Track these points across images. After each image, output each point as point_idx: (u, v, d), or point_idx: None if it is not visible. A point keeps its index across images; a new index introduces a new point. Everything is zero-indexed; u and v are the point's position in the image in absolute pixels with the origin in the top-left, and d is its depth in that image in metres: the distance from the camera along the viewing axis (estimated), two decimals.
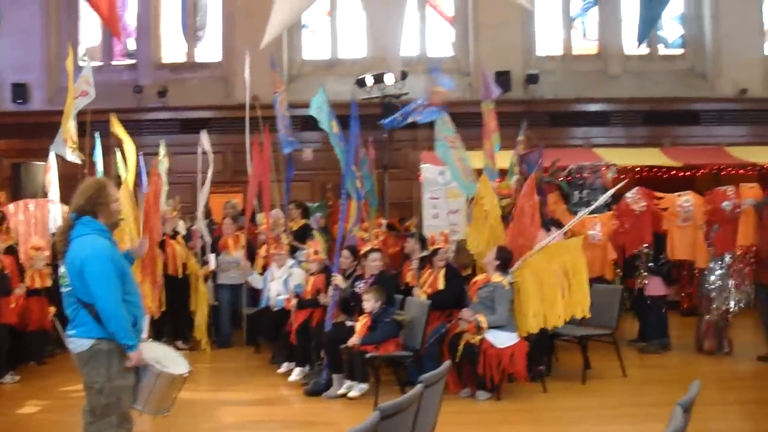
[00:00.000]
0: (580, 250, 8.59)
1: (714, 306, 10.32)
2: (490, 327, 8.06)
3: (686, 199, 10.70)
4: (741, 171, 15.18)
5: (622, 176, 12.80)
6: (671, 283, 10.84)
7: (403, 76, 15.07)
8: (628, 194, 10.99)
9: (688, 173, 15.10)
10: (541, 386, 8.44)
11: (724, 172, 15.29)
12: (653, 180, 13.80)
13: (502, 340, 8.06)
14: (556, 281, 8.31)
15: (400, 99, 15.50)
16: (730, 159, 15.57)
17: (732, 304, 10.31)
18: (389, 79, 15.11)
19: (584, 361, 9.12)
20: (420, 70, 16.70)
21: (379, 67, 15.11)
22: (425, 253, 9.79)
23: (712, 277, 10.35)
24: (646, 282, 10.59)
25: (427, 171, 13.98)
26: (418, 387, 4.23)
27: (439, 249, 9.34)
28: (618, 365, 9.24)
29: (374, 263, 9.06)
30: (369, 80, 15.36)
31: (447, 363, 5.02)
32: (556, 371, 9.23)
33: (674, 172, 14.99)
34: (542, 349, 8.86)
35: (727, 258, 10.26)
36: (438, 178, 13.68)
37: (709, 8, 17.45)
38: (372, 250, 9.29)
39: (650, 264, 10.58)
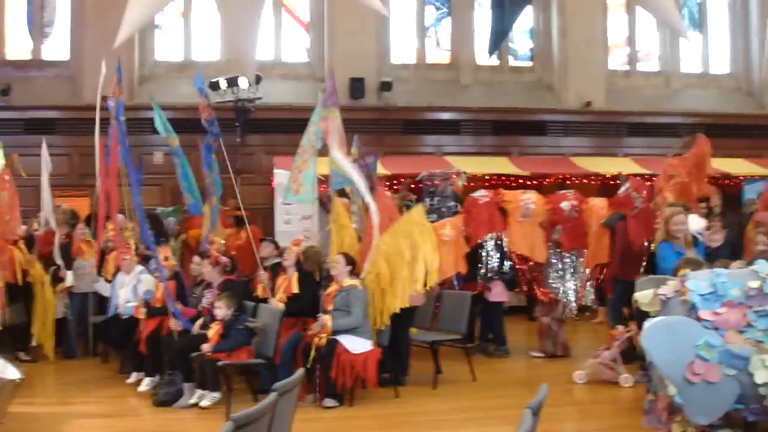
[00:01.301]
0: (423, 216, 8.83)
1: (553, 308, 10.71)
2: (346, 330, 8.11)
3: (529, 197, 11.12)
4: (585, 180, 15.80)
5: (471, 184, 13.13)
6: (513, 289, 11.09)
7: (258, 80, 14.94)
8: (476, 193, 11.40)
9: (536, 182, 15.57)
10: (393, 391, 8.51)
11: (570, 182, 15.86)
12: (502, 188, 14.13)
13: (356, 345, 8.08)
14: (408, 258, 8.46)
15: (254, 103, 15.37)
16: (575, 169, 16.20)
17: (570, 307, 10.79)
18: (243, 83, 14.94)
19: (435, 366, 9.26)
20: (275, 75, 16.64)
21: (234, 70, 14.91)
22: (279, 259, 9.76)
23: (552, 279, 10.72)
24: (489, 287, 10.82)
25: (280, 176, 13.91)
26: (272, 395, 4.17)
27: (285, 250, 9.36)
28: (468, 369, 9.43)
29: (206, 270, 9.04)
30: (223, 83, 15.14)
31: (301, 370, 4.99)
32: (409, 377, 9.31)
33: (522, 180, 15.45)
34: (397, 354, 8.92)
35: (567, 259, 10.68)
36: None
37: (557, 23, 18.02)
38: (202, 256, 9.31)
39: (494, 265, 10.81)
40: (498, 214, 11.01)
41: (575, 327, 12.83)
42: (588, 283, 10.91)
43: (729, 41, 19.39)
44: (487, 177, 15.07)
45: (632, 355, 9.66)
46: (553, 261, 10.82)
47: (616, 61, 18.92)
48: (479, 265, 10.80)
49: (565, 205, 10.85)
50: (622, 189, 10.90)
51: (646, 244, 9.92)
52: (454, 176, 13.04)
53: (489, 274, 10.76)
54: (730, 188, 15.57)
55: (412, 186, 13.65)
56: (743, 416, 4.28)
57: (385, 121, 16.72)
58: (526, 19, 17.98)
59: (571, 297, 10.76)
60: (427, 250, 8.50)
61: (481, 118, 17.48)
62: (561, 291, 10.72)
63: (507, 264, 10.84)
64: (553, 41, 18.17)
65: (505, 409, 7.91)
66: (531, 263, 10.94)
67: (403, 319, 8.89)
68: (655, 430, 4.63)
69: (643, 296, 4.65)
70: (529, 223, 10.94)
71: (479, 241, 10.82)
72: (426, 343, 9.49)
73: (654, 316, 4.46)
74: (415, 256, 8.45)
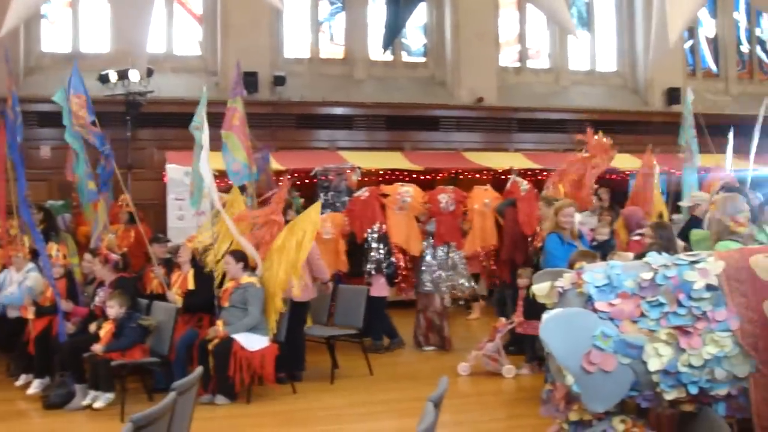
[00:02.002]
0: (318, 215, 8.89)
1: (432, 301, 10.84)
2: (244, 330, 8.03)
3: (407, 190, 11.31)
4: (477, 175, 16.02)
5: (366, 179, 13.18)
6: (395, 284, 11.14)
7: (149, 73, 14.63)
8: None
9: (429, 177, 15.73)
10: (290, 387, 8.48)
11: (462, 176, 16.08)
12: (396, 182, 14.20)
13: (253, 342, 8.02)
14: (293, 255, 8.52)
15: (145, 97, 15.05)
16: (467, 164, 16.41)
17: (447, 299, 10.97)
18: (134, 75, 14.59)
19: (332, 361, 9.26)
20: (167, 68, 16.31)
21: (124, 63, 14.55)
22: (169, 256, 9.60)
23: (428, 272, 10.84)
24: (371, 282, 10.85)
25: (173, 171, 13.70)
26: (171, 395, 4.09)
27: (180, 247, 9.21)
28: (365, 364, 9.46)
29: (96, 267, 8.85)
30: (113, 76, 14.75)
31: (199, 369, 4.91)
32: (304, 372, 9.27)
33: (415, 175, 15.56)
34: (293, 350, 8.87)
35: (440, 252, 10.82)
36: (184, 179, 13.41)
37: (450, 19, 18.19)
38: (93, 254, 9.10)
39: (378, 259, 10.86)
40: (378, 208, 11.16)
41: (455, 319, 13.03)
42: (467, 276, 11.10)
43: (615, 40, 19.96)
44: (380, 172, 15.13)
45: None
46: (427, 254, 10.95)
47: (508, 57, 19.23)
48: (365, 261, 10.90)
49: (442, 197, 11.06)
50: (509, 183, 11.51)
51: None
52: (348, 171, 13.09)
53: (370, 269, 10.80)
54: (617, 183, 16.01)
55: (306, 181, 13.62)
56: (637, 403, 4.40)
57: (278, 116, 16.58)
58: (419, 15, 18.11)
59: (444, 290, 10.92)
60: (307, 244, 8.55)
61: (375, 113, 17.50)
62: (434, 284, 10.85)
63: (392, 259, 10.92)
64: (446, 37, 18.34)
65: (403, 402, 8.01)
66: (407, 256, 11.10)
67: (298, 314, 8.88)
68: (553, 419, 4.72)
69: (540, 288, 4.71)
70: (405, 215, 11.12)
71: (365, 236, 10.92)
72: (322, 338, 9.47)
73: (551, 308, 4.54)
74: (296, 249, 8.48)
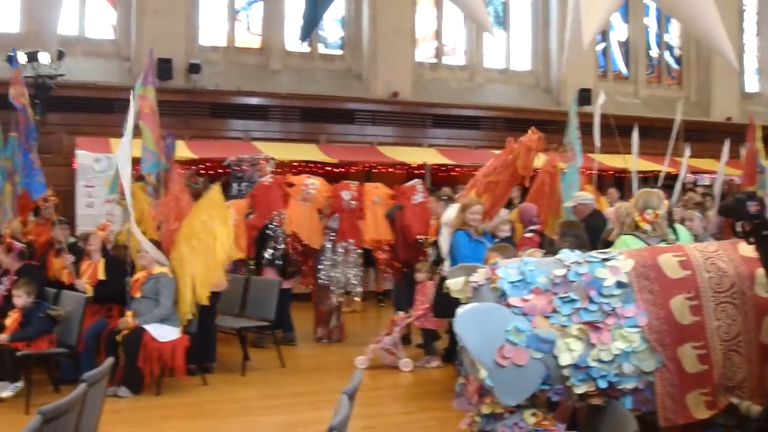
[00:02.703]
0: (221, 196, 8.77)
1: (328, 294, 10.88)
2: (156, 320, 7.93)
3: (312, 182, 11.27)
4: (391, 169, 16.11)
5: (280, 170, 13.12)
6: (289, 276, 11.07)
7: (60, 56, 14.27)
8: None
9: (343, 169, 15.75)
10: (201, 379, 8.40)
11: (376, 170, 16.15)
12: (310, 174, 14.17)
13: (164, 333, 7.92)
14: (208, 238, 8.39)
15: (55, 80, 14.67)
16: (381, 157, 16.48)
17: (347, 292, 11.03)
18: (44, 58, 14.19)
19: (243, 352, 9.20)
20: (78, 51, 15.93)
21: (34, 44, 14.15)
22: (73, 240, 9.42)
23: (327, 266, 10.88)
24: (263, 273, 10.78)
25: (83, 157, 13.42)
26: (82, 386, 4.02)
27: (90, 235, 9.04)
28: (277, 356, 9.43)
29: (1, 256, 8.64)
30: (21, 57, 14.31)
31: (110, 360, 4.83)
32: (215, 364, 9.18)
33: (330, 168, 15.57)
34: (204, 342, 8.78)
35: (340, 248, 10.87)
36: (94, 166, 13.20)
37: (368, 13, 18.22)
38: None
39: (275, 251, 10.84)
40: (280, 196, 11.14)
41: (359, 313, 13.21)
42: (356, 270, 11.17)
43: (530, 40, 20.27)
44: (295, 163, 15.08)
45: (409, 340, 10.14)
46: (327, 248, 10.99)
47: (424, 53, 19.34)
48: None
49: (344, 194, 11.07)
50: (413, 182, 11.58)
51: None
52: (262, 162, 13.00)
53: (265, 261, 10.78)
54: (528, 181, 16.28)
55: (219, 170, 13.49)
56: (548, 397, 4.50)
57: (192, 104, 16.34)
58: (337, 8, 18.09)
59: (341, 284, 10.96)
60: (222, 231, 8.45)
61: (290, 104, 17.41)
62: (332, 279, 10.89)
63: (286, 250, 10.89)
64: (363, 31, 18.35)
65: (314, 395, 8.02)
66: (303, 249, 11.11)
67: (209, 305, 8.79)
68: (465, 412, 4.79)
69: (454, 283, 4.77)
70: (308, 207, 11.06)
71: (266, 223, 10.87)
72: (233, 329, 9.40)
73: (466, 303, 4.60)
74: (212, 237, 8.39)
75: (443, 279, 8.67)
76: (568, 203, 10.47)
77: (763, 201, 3.77)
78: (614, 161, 15.64)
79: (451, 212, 9.47)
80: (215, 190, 8.85)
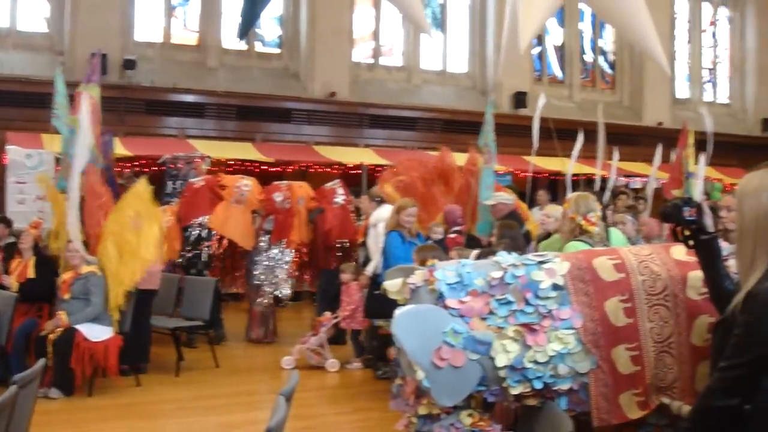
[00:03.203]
0: (147, 191, 8.67)
1: (262, 295, 10.86)
2: (87, 320, 7.80)
3: (245, 183, 11.18)
4: (327, 169, 16.08)
5: (215, 168, 13.01)
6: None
7: None
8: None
9: (279, 169, 15.68)
10: (134, 380, 8.29)
11: (312, 170, 16.12)
12: (246, 174, 14.06)
13: (97, 333, 7.81)
14: (133, 235, 8.31)
15: None
16: (318, 157, 16.45)
17: (280, 293, 10.97)
18: None
19: (177, 353, 9.11)
20: (9, 45, 15.61)
21: None
22: (11, 240, 9.23)
23: (261, 267, 10.85)
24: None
25: (13, 153, 13.13)
26: (13, 388, 3.94)
27: (21, 233, 8.86)
28: (211, 356, 9.35)
29: None
30: None
31: (42, 361, 4.74)
32: (149, 364, 9.07)
33: (266, 167, 15.49)
34: (137, 342, 8.67)
35: (276, 250, 10.84)
36: (25, 161, 12.92)
37: (306, 12, 18.16)
38: None
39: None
40: (207, 199, 11.02)
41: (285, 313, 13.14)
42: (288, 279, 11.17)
43: (468, 42, 20.40)
44: (230, 162, 14.98)
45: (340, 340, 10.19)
46: (262, 249, 10.95)
47: (361, 53, 19.36)
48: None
49: (276, 196, 11.03)
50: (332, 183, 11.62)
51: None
52: (197, 160, 12.86)
53: (183, 261, 10.70)
54: None
55: (154, 168, 13.33)
56: (484, 397, 4.53)
57: (126, 100, 16.10)
58: (275, 6, 18.01)
59: (272, 286, 10.94)
60: (149, 228, 8.36)
61: (226, 102, 17.26)
62: (266, 280, 10.86)
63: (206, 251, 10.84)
64: (301, 30, 18.30)
65: (250, 395, 7.99)
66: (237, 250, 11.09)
67: (143, 304, 8.69)
68: (402, 413, 4.80)
69: (392, 285, 4.78)
70: (241, 209, 10.99)
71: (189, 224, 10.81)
72: (167, 329, 9.30)
73: (403, 305, 4.61)
74: (137, 234, 8.29)
75: (375, 280, 8.76)
76: (488, 201, 10.60)
77: (700, 206, 3.84)
78: (549, 164, 15.83)
79: (380, 213, 9.53)
80: (141, 183, 8.76)
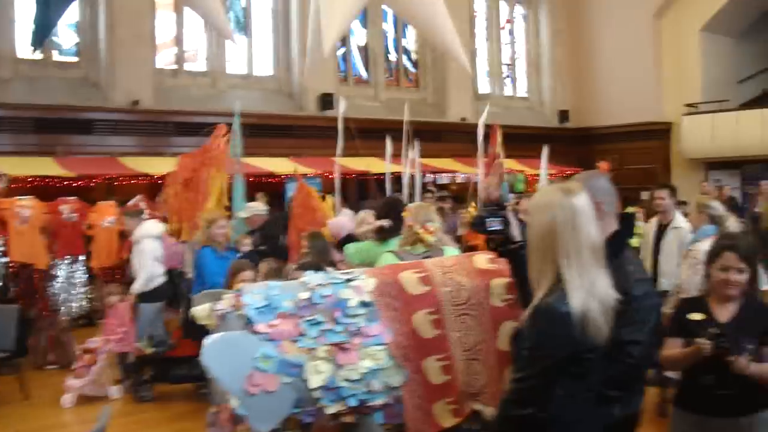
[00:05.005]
0: None
1: (57, 317, 10.54)
2: None
3: (24, 203, 10.76)
4: (134, 181, 15.61)
5: (13, 186, 12.38)
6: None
7: None
8: None
9: (83, 183, 15.06)
10: None
11: (118, 182, 15.59)
12: (48, 190, 13.46)
13: None
14: None
15: None
16: (123, 169, 15.92)
17: (74, 311, 10.71)
18: None
19: None
20: None
21: None
22: None
23: (57, 286, 10.51)
24: None
25: None
26: None
27: None
28: (19, 388, 8.90)
29: None
30: None
31: None
32: None
33: (69, 182, 14.82)
34: None
35: (65, 266, 10.54)
36: None
37: (104, 19, 17.53)
38: None
39: None
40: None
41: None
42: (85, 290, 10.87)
43: (272, 45, 20.32)
44: (30, 179, 14.25)
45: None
46: (57, 267, 10.61)
47: (164, 60, 18.91)
48: None
49: (63, 208, 10.78)
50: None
51: None
52: None
53: None
54: (274, 186, 16.34)
55: None
56: (300, 419, 4.50)
57: None
58: (71, 13, 17.27)
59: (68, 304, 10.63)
60: None
61: (22, 115, 16.42)
62: (59, 300, 10.54)
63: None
64: (100, 37, 17.66)
65: (66, 428, 7.66)
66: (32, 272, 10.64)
67: None
68: None
69: (199, 311, 4.68)
70: (29, 229, 10.54)
71: None
72: None
73: (214, 331, 4.51)
74: None
75: (188, 301, 8.55)
76: (242, 213, 10.67)
77: (506, 216, 3.97)
78: (356, 164, 16.00)
79: (143, 229, 9.40)
80: None
